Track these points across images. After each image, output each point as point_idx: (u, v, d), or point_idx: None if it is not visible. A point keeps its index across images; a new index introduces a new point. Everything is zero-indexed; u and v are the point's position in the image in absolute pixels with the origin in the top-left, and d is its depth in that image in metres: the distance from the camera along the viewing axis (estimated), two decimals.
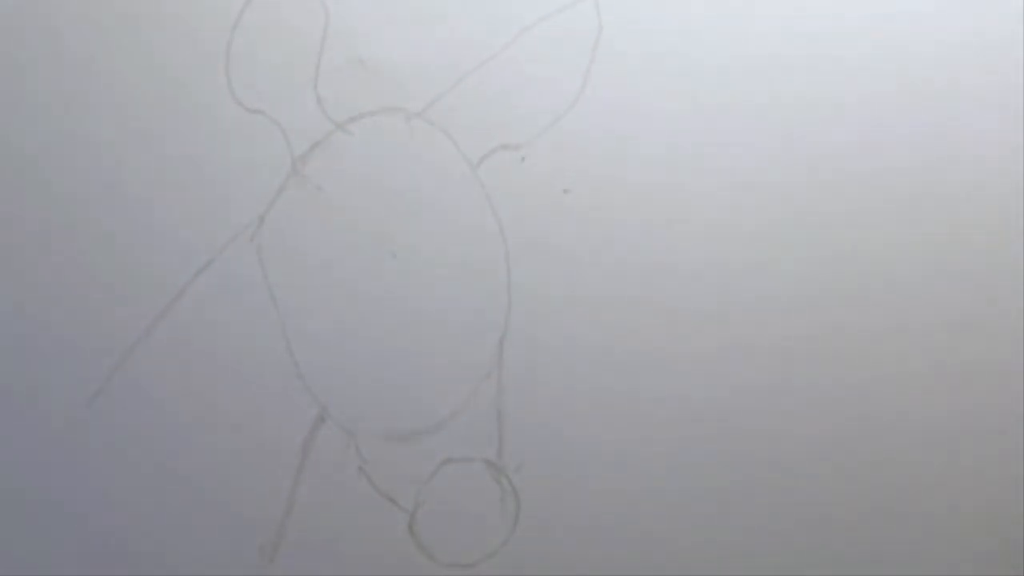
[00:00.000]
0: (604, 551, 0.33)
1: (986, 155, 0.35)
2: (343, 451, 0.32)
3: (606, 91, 0.33)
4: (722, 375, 0.34)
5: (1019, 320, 0.36)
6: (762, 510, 0.33)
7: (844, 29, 0.34)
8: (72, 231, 0.29)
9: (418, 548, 0.32)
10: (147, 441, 0.30)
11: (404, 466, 0.32)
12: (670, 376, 0.34)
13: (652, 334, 0.34)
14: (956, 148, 0.35)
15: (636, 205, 0.33)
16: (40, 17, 0.28)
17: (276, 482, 0.31)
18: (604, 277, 0.33)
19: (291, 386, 0.31)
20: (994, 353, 0.36)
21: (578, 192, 0.33)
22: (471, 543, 0.32)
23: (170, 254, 0.30)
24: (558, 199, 0.33)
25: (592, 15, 0.33)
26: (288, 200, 0.30)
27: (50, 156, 0.28)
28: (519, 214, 0.33)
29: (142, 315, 0.30)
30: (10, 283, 0.29)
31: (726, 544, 0.33)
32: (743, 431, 0.33)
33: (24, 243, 0.29)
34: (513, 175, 0.32)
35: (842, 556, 0.33)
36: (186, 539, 0.31)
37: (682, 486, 0.33)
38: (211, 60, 0.29)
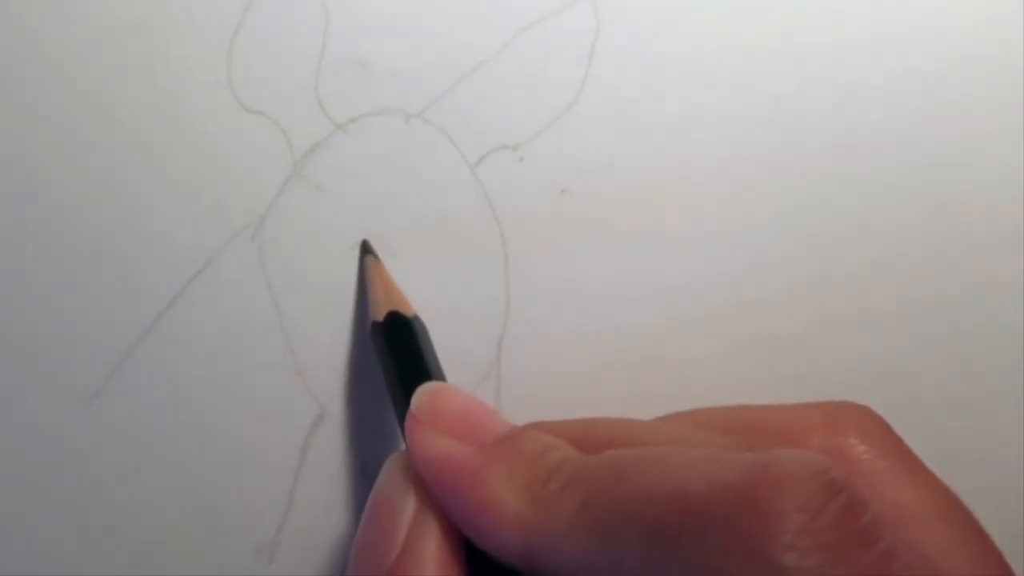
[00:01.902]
0: None
1: (987, 155, 0.35)
2: (343, 451, 0.32)
3: (604, 91, 0.33)
4: (725, 376, 0.34)
5: (1019, 321, 0.36)
6: None
7: (846, 29, 0.35)
8: (71, 231, 0.29)
9: None
10: (146, 441, 0.30)
11: None
12: (671, 377, 0.34)
13: (652, 335, 0.34)
14: (957, 147, 0.35)
15: (635, 205, 0.34)
16: (40, 18, 0.28)
17: (276, 482, 0.31)
18: (603, 277, 0.33)
19: (291, 386, 0.31)
20: (995, 354, 0.36)
21: (576, 192, 0.33)
22: None
23: (170, 254, 0.30)
24: (556, 199, 0.33)
25: (590, 15, 0.33)
26: (288, 200, 0.31)
27: (50, 156, 0.29)
28: (518, 214, 0.33)
29: (141, 315, 0.30)
30: (9, 283, 0.29)
31: None
32: None
33: (23, 243, 0.29)
34: (511, 175, 0.33)
35: None
36: (185, 539, 0.31)
37: None
38: (212, 61, 0.29)
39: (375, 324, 0.30)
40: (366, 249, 0.31)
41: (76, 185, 0.28)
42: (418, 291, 0.32)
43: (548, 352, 0.33)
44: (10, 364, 0.29)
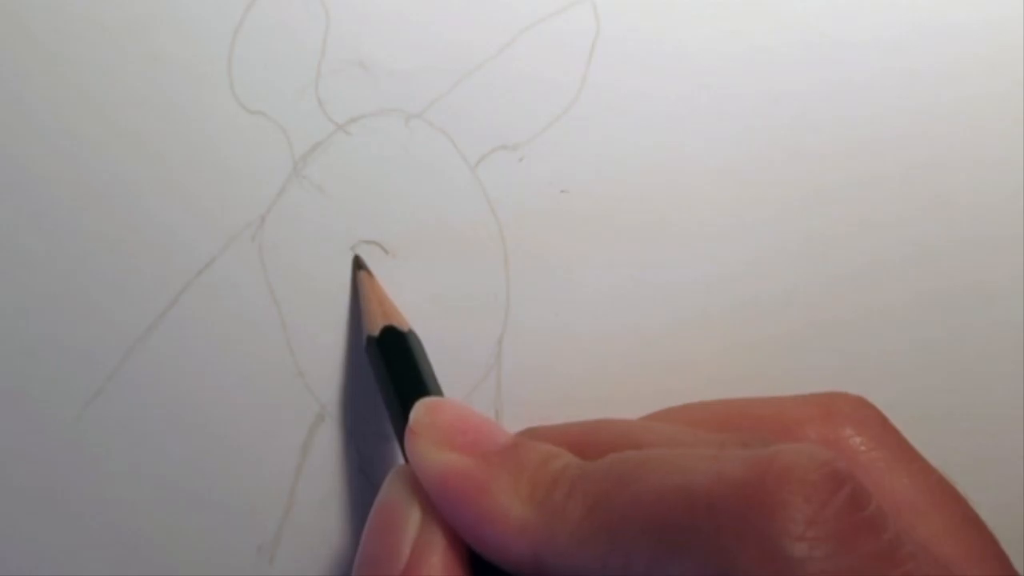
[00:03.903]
0: None
1: (986, 154, 0.35)
2: (343, 451, 0.32)
3: (604, 92, 0.33)
4: (725, 375, 0.34)
5: (1019, 322, 0.36)
6: None
7: (846, 29, 0.35)
8: (71, 231, 0.29)
9: None
10: (146, 441, 0.30)
11: None
12: (671, 377, 0.34)
13: (653, 335, 0.34)
14: (957, 146, 0.35)
15: (634, 205, 0.34)
16: (42, 17, 0.28)
17: (276, 482, 0.31)
18: (603, 277, 0.33)
19: (291, 386, 0.31)
20: (995, 354, 0.36)
21: (576, 192, 0.33)
22: None
23: (171, 254, 0.30)
24: (556, 199, 0.33)
25: (590, 16, 0.33)
26: (289, 200, 0.31)
27: (50, 156, 0.29)
28: (517, 214, 0.33)
29: (142, 315, 0.30)
30: (9, 283, 0.29)
31: None
32: None
33: (24, 243, 0.29)
34: (511, 175, 0.33)
35: None
36: (185, 539, 0.31)
37: None
38: (213, 62, 0.29)
39: (370, 339, 0.30)
40: (358, 264, 0.31)
41: (76, 185, 0.28)
42: (418, 291, 0.32)
43: (548, 352, 0.33)
44: (10, 364, 0.29)
